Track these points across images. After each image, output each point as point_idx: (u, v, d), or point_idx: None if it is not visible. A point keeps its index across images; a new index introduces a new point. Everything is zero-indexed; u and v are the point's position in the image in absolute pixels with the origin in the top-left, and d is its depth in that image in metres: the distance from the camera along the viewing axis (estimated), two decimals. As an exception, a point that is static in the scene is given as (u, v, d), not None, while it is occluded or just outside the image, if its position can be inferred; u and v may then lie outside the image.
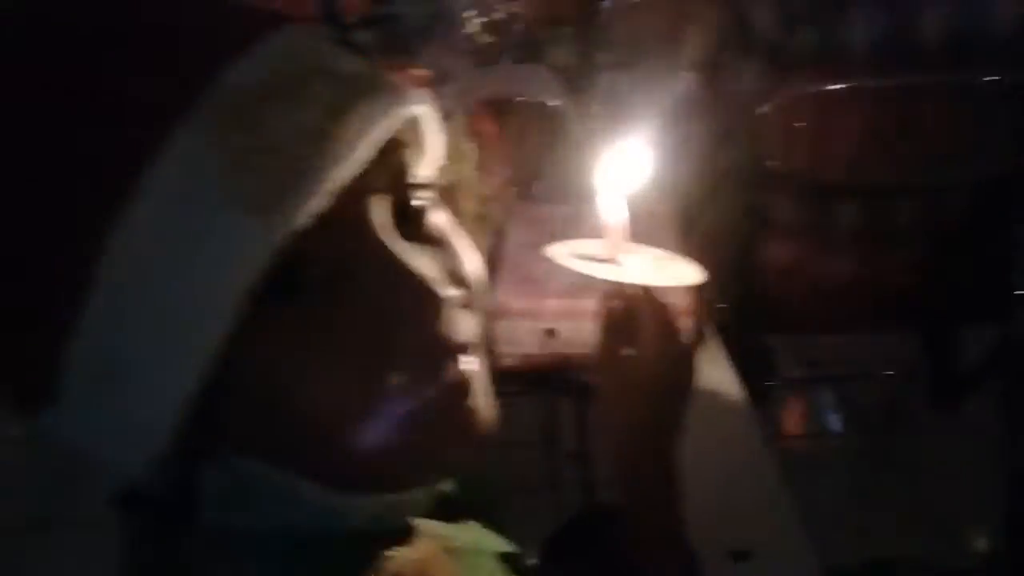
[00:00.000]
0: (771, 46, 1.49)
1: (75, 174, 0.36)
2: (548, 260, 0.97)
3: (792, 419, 2.24)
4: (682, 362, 0.65)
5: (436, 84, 0.93)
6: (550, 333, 0.89)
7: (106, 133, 0.36)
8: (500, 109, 1.34)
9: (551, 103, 1.63)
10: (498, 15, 0.95)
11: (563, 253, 0.66)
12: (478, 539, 0.54)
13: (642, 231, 0.89)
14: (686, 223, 1.80)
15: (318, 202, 0.37)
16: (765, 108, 1.52)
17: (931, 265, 1.61)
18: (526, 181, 1.26)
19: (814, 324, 1.75)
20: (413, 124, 0.44)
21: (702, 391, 0.84)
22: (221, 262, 0.36)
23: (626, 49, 2.85)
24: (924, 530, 1.81)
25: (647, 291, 0.65)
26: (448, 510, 0.51)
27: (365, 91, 0.40)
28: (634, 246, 0.67)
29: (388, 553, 0.44)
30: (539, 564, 0.66)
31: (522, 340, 0.89)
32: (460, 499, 0.53)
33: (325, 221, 0.37)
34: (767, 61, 1.51)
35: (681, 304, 0.88)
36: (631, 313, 0.64)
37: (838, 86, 1.47)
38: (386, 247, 0.41)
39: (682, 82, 2.98)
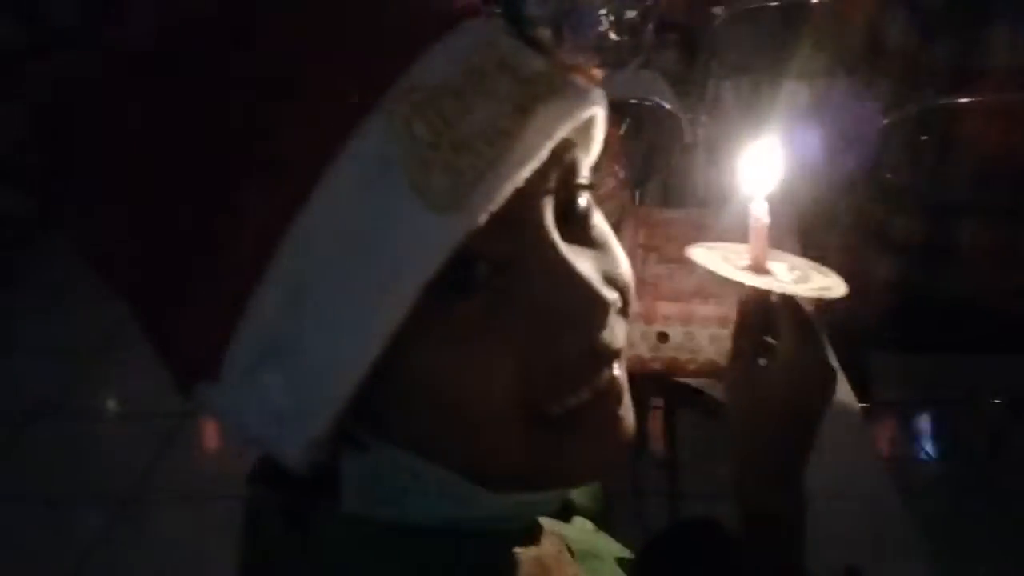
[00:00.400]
0: (904, 57, 1.45)
1: (261, 166, 0.37)
2: (663, 262, 0.97)
3: (890, 441, 2.18)
4: (822, 379, 0.60)
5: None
6: (663, 337, 0.89)
7: (295, 124, 0.37)
8: (617, 111, 1.35)
9: (667, 106, 1.63)
10: (631, 15, 0.95)
11: (706, 255, 0.64)
12: (596, 541, 0.54)
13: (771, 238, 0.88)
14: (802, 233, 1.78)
15: (498, 201, 0.37)
16: (888, 120, 1.48)
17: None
18: (640, 183, 1.26)
19: (923, 343, 1.70)
20: (587, 124, 0.44)
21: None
22: (401, 258, 0.36)
23: (738, 56, 2.82)
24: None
25: (789, 300, 0.61)
26: (565, 511, 0.52)
27: (549, 91, 0.39)
28: (776, 253, 0.64)
29: (517, 550, 0.44)
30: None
31: (633, 343, 0.89)
32: (577, 501, 0.54)
33: (498, 219, 0.37)
34: (899, 72, 1.47)
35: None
36: (771, 323, 0.61)
37: (969, 99, 1.42)
38: (556, 248, 0.40)
39: (797, 91, 2.93)
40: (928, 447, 2.15)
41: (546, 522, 0.48)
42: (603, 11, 0.94)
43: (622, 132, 1.24)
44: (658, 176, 1.39)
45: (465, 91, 0.38)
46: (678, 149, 1.55)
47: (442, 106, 0.37)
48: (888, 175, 1.56)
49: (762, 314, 0.61)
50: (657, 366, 0.89)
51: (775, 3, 2.81)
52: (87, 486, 2.14)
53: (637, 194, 1.28)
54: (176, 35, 0.39)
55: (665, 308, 0.89)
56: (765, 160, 0.61)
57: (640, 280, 0.95)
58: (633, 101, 1.61)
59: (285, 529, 0.44)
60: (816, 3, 2.67)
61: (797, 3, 2.77)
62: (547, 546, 0.46)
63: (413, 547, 0.43)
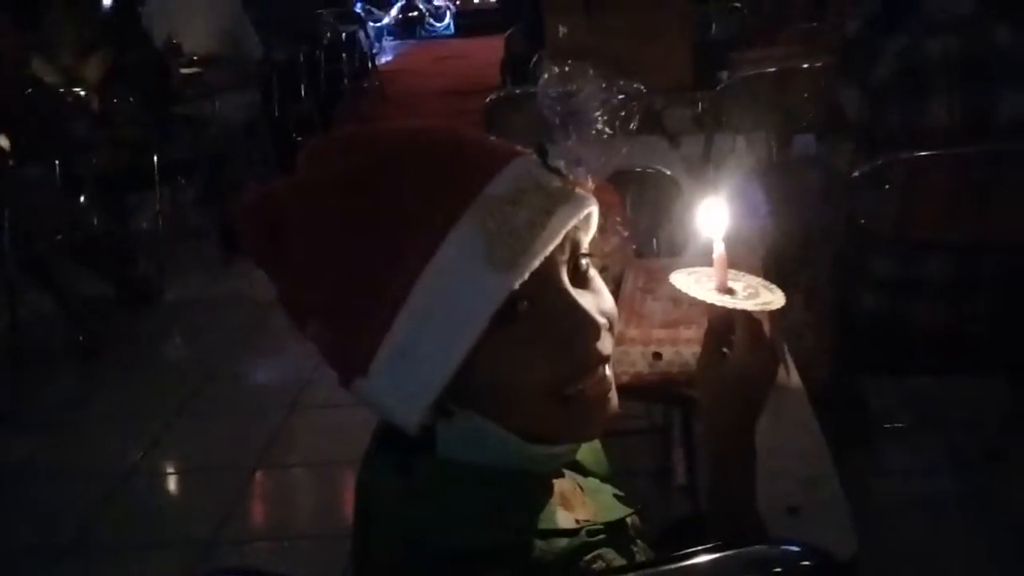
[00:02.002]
0: (861, 124, 1.70)
1: (402, 238, 0.65)
2: (656, 300, 1.23)
3: (901, 458, 2.35)
4: (768, 366, 0.82)
5: (572, 167, 1.20)
6: (657, 356, 1.15)
7: (423, 217, 0.65)
8: (621, 179, 1.61)
9: (667, 172, 1.89)
10: (623, 111, 1.22)
11: (683, 280, 0.83)
12: (600, 486, 0.80)
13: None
14: (785, 274, 2.02)
15: (535, 264, 0.64)
16: (858, 173, 1.72)
17: (1016, 313, 1.76)
18: (642, 239, 1.53)
19: (907, 368, 1.91)
20: (587, 216, 0.71)
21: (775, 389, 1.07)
22: (479, 299, 0.63)
23: (738, 117, 3.09)
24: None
25: (743, 312, 0.81)
26: (579, 469, 0.80)
27: (564, 200, 0.67)
28: (737, 274, 0.83)
29: (550, 483, 0.71)
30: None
31: (635, 362, 1.15)
32: (587, 465, 0.81)
33: (533, 275, 0.64)
34: (858, 136, 1.72)
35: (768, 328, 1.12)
36: (730, 327, 0.82)
37: (922, 154, 1.67)
38: (567, 292, 0.67)
39: (785, 149, 3.20)
40: (926, 464, 2.33)
41: (567, 473, 0.76)
42: (598, 112, 1.21)
43: (625, 198, 1.51)
44: (660, 231, 1.65)
45: (516, 200, 0.66)
46: (677, 207, 1.81)
47: (503, 210, 0.65)
48: (862, 221, 1.80)
49: (725, 322, 0.83)
50: (654, 379, 1.15)
51: (772, 69, 3.09)
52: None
53: (640, 248, 1.54)
54: (356, 173, 0.68)
55: (658, 334, 1.16)
56: (720, 210, 0.82)
57: (639, 314, 1.21)
58: (638, 169, 1.89)
59: (398, 476, 0.71)
60: (804, 68, 2.95)
61: (789, 70, 3.05)
62: (566, 483, 0.74)
63: (486, 480, 0.70)
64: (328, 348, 0.69)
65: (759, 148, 4.04)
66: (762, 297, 0.82)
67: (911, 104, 1.63)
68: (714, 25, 4.49)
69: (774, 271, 2.02)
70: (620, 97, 1.23)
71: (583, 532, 0.69)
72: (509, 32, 5.91)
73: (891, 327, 1.88)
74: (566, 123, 1.21)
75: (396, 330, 0.65)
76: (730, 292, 0.81)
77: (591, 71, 1.23)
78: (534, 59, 3.74)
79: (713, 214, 0.84)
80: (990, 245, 1.74)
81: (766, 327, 0.96)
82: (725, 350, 0.83)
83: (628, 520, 0.77)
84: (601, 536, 0.70)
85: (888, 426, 2.37)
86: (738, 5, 4.46)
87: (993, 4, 1.59)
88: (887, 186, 1.74)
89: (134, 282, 3.70)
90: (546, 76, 1.29)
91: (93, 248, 3.60)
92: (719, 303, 0.80)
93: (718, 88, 3.06)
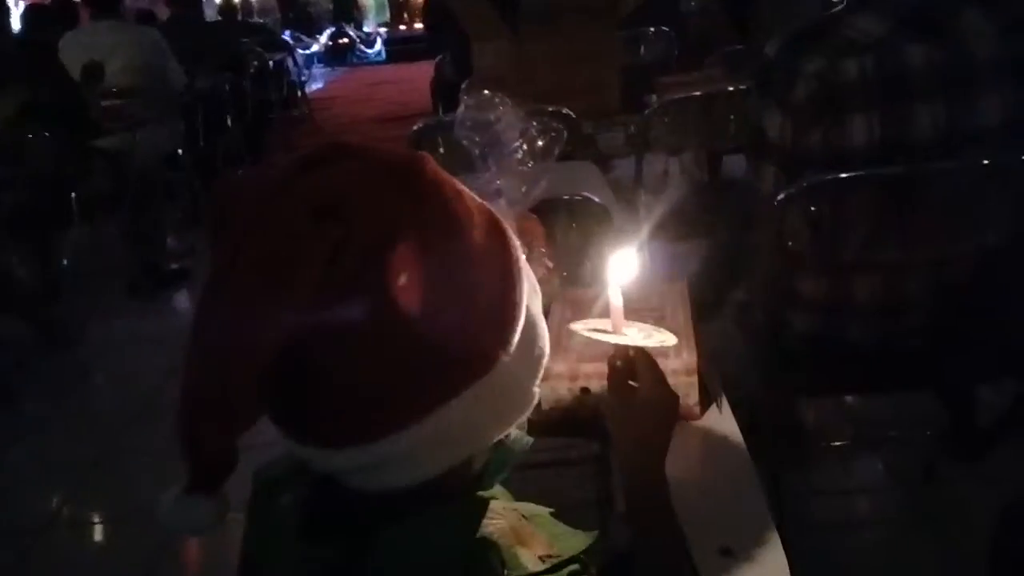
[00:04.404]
0: (783, 146, 1.70)
1: (427, 394, 0.64)
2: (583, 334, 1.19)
3: (838, 477, 2.37)
4: (669, 397, 0.89)
5: (492, 199, 1.17)
6: (584, 391, 1.11)
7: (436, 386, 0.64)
8: (547, 207, 1.58)
9: (596, 199, 1.87)
10: (541, 142, 1.19)
11: (582, 327, 0.92)
12: (532, 507, 0.77)
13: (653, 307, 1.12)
14: (713, 298, 2.02)
15: None
16: (784, 195, 1.72)
17: (941, 329, 1.78)
18: (570, 270, 1.49)
19: (840, 387, 1.92)
20: None
21: (702, 427, 1.06)
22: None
23: (666, 140, 3.11)
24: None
25: (641, 351, 0.90)
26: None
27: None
28: (630, 322, 0.92)
29: (486, 520, 0.67)
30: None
31: (562, 397, 1.11)
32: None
33: None
34: (781, 159, 1.72)
35: (687, 364, 1.09)
36: (631, 365, 0.89)
37: (844, 175, 1.67)
38: None
39: (714, 170, 3.22)
40: (863, 482, 2.35)
41: (507, 505, 0.72)
42: (518, 142, 1.18)
43: (551, 227, 1.47)
44: (589, 260, 1.62)
45: None
46: (608, 237, 1.79)
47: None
48: (790, 243, 1.79)
49: (626, 362, 0.88)
50: (583, 414, 1.11)
51: (698, 93, 3.13)
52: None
53: (568, 279, 1.50)
54: None
55: (586, 368, 1.12)
56: (622, 262, 0.89)
57: (566, 348, 1.18)
58: (565, 197, 1.87)
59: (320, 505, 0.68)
60: (729, 91, 2.99)
61: (715, 93, 3.09)
62: (511, 517, 0.70)
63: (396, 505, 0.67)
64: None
65: (691, 170, 4.09)
66: (656, 338, 0.90)
67: (831, 125, 1.63)
68: (643, 49, 4.54)
69: (707, 292, 2.05)
70: (537, 125, 1.19)
71: (551, 568, 0.67)
72: (439, 59, 5.91)
73: (823, 347, 1.88)
74: (485, 154, 1.18)
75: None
76: (627, 335, 0.88)
77: (509, 100, 1.20)
78: (463, 86, 3.73)
79: (619, 265, 0.89)
80: (915, 262, 1.75)
81: (682, 364, 0.99)
82: (632, 383, 0.88)
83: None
84: (573, 567, 0.68)
85: (825, 445, 2.39)
86: (666, 29, 4.52)
87: (907, 24, 1.61)
88: (812, 208, 1.74)
89: (52, 323, 3.56)
90: (463, 107, 1.25)
91: (8, 288, 3.45)
92: (623, 343, 0.88)
93: (646, 112, 3.09)
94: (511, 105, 1.20)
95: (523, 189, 1.21)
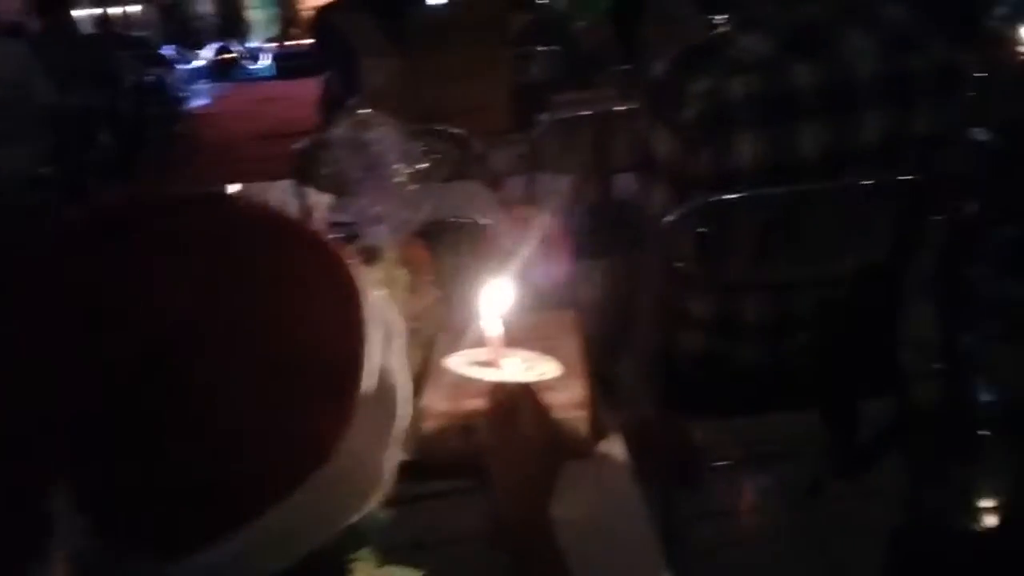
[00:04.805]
0: (672, 166, 1.68)
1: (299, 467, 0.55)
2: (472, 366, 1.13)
3: (728, 498, 2.37)
4: (553, 435, 0.83)
5: (371, 225, 1.10)
6: (467, 429, 1.05)
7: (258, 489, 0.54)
8: (434, 231, 1.52)
9: (482, 222, 1.82)
10: (425, 163, 1.13)
11: (459, 362, 0.86)
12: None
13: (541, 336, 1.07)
14: (605, 321, 1.99)
15: None
16: (672, 217, 1.70)
17: (827, 348, 1.79)
18: (458, 297, 1.43)
19: (732, 408, 1.92)
20: None
21: (592, 466, 1.01)
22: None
23: (558, 159, 3.10)
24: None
25: (523, 385, 0.83)
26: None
27: None
28: (511, 351, 0.86)
29: None
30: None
31: (448, 438, 1.04)
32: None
33: None
34: (670, 180, 1.70)
35: (575, 397, 1.04)
36: (512, 402, 0.82)
37: (731, 196, 1.66)
38: None
39: (607, 190, 3.23)
40: (752, 501, 2.36)
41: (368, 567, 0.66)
42: (399, 164, 1.12)
43: (435, 253, 1.41)
44: (475, 287, 1.56)
45: None
46: (495, 259, 1.73)
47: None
48: (678, 264, 1.78)
49: (508, 398, 0.82)
50: (468, 454, 1.04)
51: (587, 112, 3.13)
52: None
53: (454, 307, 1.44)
54: None
55: (470, 404, 1.05)
56: (497, 292, 0.84)
57: (451, 383, 1.11)
58: (452, 220, 1.80)
59: None
60: (620, 111, 2.99)
61: (606, 112, 3.09)
62: None
63: None
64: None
65: (583, 190, 4.09)
66: (539, 369, 0.85)
67: (718, 145, 1.62)
68: (534, 68, 4.55)
69: (597, 316, 2.02)
70: (420, 145, 1.13)
71: None
72: (327, 75, 5.77)
73: (713, 368, 1.87)
74: (363, 176, 1.11)
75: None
76: (506, 368, 0.83)
77: (389, 119, 1.14)
78: (348, 103, 3.63)
79: (496, 293, 0.84)
80: (801, 281, 1.76)
81: (570, 397, 0.94)
82: (517, 419, 0.82)
83: None
84: None
85: (714, 465, 2.39)
86: (556, 48, 4.53)
87: (792, 44, 1.61)
88: (700, 228, 1.73)
89: None
90: (340, 127, 1.18)
91: None
92: (496, 379, 0.82)
93: (536, 131, 3.07)
94: (391, 124, 1.13)
95: (406, 213, 1.14)
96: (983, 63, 2.80)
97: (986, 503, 2.26)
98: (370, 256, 1.05)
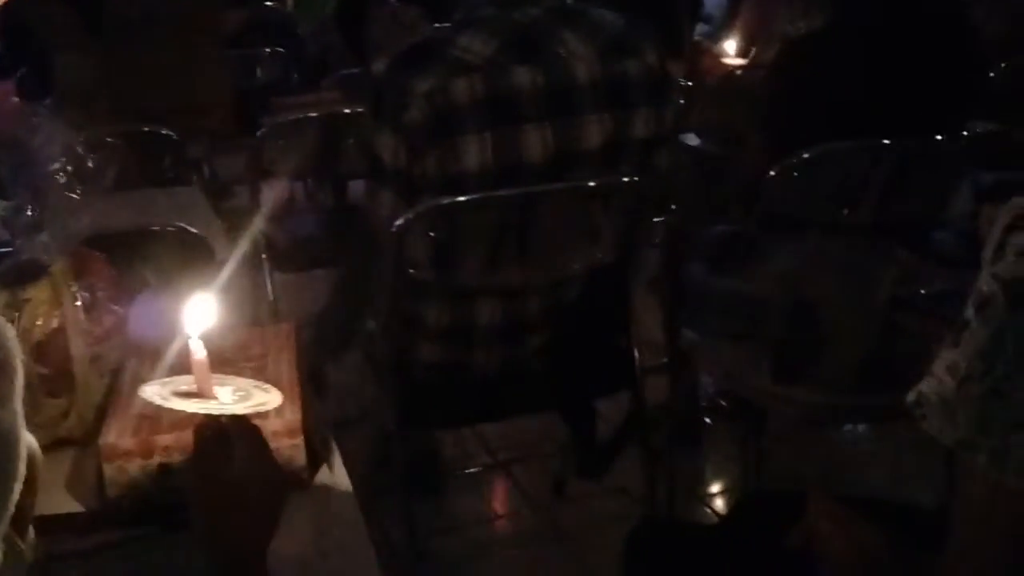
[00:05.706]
0: (398, 169, 1.61)
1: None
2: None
3: (474, 504, 2.35)
4: (271, 472, 0.74)
5: (29, 233, 0.92)
6: (163, 468, 0.89)
7: None
8: (129, 240, 1.33)
9: (192, 230, 1.64)
10: (91, 163, 0.97)
11: (159, 392, 0.72)
12: None
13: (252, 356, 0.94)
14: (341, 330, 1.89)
15: None
16: (402, 221, 1.62)
17: (561, 349, 1.80)
18: (152, 314, 1.26)
19: (472, 416, 1.88)
20: None
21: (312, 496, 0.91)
22: None
23: (285, 164, 2.94)
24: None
25: (237, 417, 0.73)
26: None
27: None
28: (223, 378, 0.74)
29: None
30: None
31: (136, 481, 0.88)
32: None
33: None
34: (398, 184, 1.63)
35: (291, 424, 0.92)
36: (222, 433, 0.72)
37: (460, 199, 1.61)
38: None
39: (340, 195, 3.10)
40: (498, 506, 2.35)
41: None
42: (60, 163, 0.94)
43: (119, 265, 1.23)
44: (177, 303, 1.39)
45: None
46: (211, 272, 1.57)
47: None
48: (411, 270, 1.70)
49: (215, 430, 0.72)
50: (165, 498, 0.89)
51: (314, 115, 3.00)
52: None
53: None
54: None
55: (165, 440, 0.90)
56: (200, 308, 0.73)
57: (141, 415, 0.95)
58: (155, 228, 1.61)
59: None
60: (347, 114, 2.89)
61: (333, 115, 2.98)
62: None
63: None
64: None
65: (316, 195, 3.94)
66: (255, 399, 0.75)
67: (445, 148, 1.57)
68: (259, 70, 4.34)
69: (335, 325, 1.90)
70: (87, 143, 0.96)
71: None
72: (19, 74, 5.17)
73: (450, 375, 1.82)
74: (16, 178, 0.92)
75: None
76: (217, 398, 0.72)
77: (47, 112, 0.96)
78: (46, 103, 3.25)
79: (198, 310, 0.75)
80: (533, 284, 1.75)
81: (284, 424, 0.85)
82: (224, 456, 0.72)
83: None
84: None
85: (459, 472, 2.36)
86: (281, 50, 4.34)
87: (512, 46, 1.59)
88: (431, 233, 1.66)
89: None
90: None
91: None
92: (204, 411, 0.71)
93: (259, 134, 2.88)
94: (48, 117, 0.95)
95: (73, 219, 0.96)
96: (688, 73, 2.98)
97: (713, 489, 2.41)
98: (30, 272, 0.87)
